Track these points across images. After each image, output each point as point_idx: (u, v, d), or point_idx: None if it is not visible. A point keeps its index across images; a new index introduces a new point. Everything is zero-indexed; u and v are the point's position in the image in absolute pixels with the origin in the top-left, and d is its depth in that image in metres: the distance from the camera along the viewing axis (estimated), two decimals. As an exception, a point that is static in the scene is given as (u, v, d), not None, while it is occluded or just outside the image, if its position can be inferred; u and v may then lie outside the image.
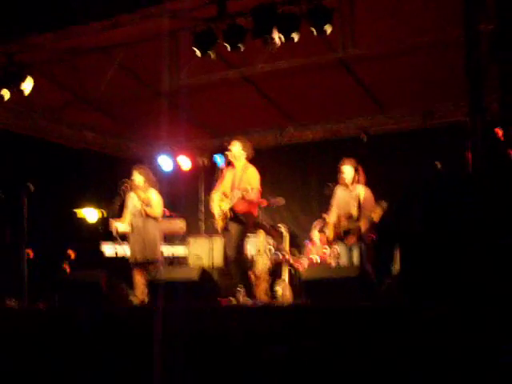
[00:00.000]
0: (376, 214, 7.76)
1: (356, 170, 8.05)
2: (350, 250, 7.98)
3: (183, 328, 5.51)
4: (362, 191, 8.03)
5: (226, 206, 7.85)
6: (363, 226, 7.86)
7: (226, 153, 8.15)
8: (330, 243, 8.26)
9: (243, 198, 7.76)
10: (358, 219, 7.89)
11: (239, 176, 8.02)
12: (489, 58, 6.49)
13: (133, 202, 8.71)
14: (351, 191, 8.08)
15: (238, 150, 8.10)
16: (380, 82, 9.51)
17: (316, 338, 5.12)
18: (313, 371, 4.84)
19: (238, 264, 7.90)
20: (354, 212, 7.91)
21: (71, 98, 10.14)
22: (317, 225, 9.81)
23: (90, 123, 11.39)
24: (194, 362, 5.30)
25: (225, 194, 7.99)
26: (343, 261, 8.00)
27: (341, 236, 8.03)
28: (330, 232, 8.24)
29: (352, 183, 8.08)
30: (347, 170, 8.08)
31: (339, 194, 8.23)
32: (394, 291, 5.95)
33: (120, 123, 11.55)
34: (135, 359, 5.61)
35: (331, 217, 8.25)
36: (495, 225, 4.75)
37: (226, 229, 7.96)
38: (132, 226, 8.64)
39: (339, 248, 8.07)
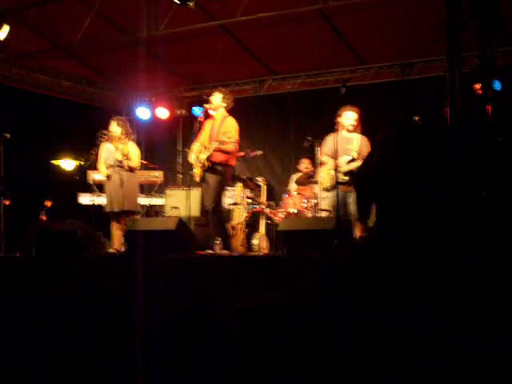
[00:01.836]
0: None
1: (359, 119, 7.93)
2: (348, 196, 7.91)
3: (163, 277, 5.54)
4: (358, 137, 7.91)
5: (203, 156, 7.83)
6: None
7: (206, 104, 8.11)
8: (324, 190, 8.13)
9: (220, 148, 7.74)
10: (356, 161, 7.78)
11: (217, 127, 7.99)
12: (469, 12, 6.48)
13: (109, 152, 8.66)
14: (347, 137, 7.96)
15: (218, 100, 8.06)
16: (360, 33, 9.46)
17: (290, 288, 5.17)
18: (287, 321, 4.88)
19: (215, 215, 7.90)
20: (355, 156, 7.80)
21: (48, 45, 10.01)
22: (294, 178, 9.84)
23: (67, 71, 11.26)
24: (174, 312, 5.34)
25: (204, 146, 7.98)
26: (334, 209, 7.88)
27: (340, 182, 7.86)
28: (324, 180, 8.03)
29: (353, 130, 7.96)
30: (350, 116, 7.92)
31: (332, 140, 7.96)
32: (370, 243, 6.00)
33: (97, 72, 11.43)
34: (115, 308, 5.63)
35: (327, 165, 8.07)
36: (470, 179, 4.78)
37: (203, 179, 7.96)
38: (109, 176, 8.61)
39: (337, 195, 7.91)
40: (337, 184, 7.71)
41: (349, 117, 7.91)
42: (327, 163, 8.00)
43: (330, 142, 7.98)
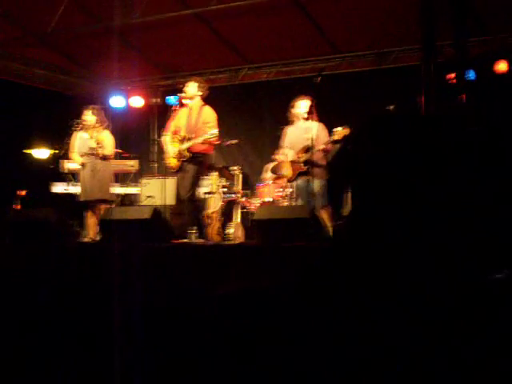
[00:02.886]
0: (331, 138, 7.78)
1: (311, 106, 8.01)
2: (310, 185, 7.95)
3: (138, 266, 5.52)
4: (315, 125, 8.00)
5: (184, 147, 7.82)
6: (319, 159, 7.88)
7: (181, 94, 8.10)
8: (288, 181, 8.24)
9: (205, 141, 7.77)
10: (312, 151, 7.83)
11: (195, 116, 7.99)
12: (443, 1, 6.51)
13: (83, 141, 8.61)
14: (304, 127, 8.05)
15: (193, 89, 8.06)
16: (334, 22, 9.45)
17: (266, 277, 5.18)
18: (262, 309, 4.90)
19: (190, 204, 7.91)
20: (310, 144, 7.86)
21: (20, 32, 9.89)
22: (269, 167, 9.84)
23: (40, 59, 11.14)
24: (150, 300, 5.33)
25: (175, 133, 7.97)
26: (301, 199, 7.99)
27: (301, 172, 7.98)
28: (285, 172, 8.20)
29: (306, 119, 8.06)
30: (303, 105, 8.05)
31: (291, 132, 8.21)
32: (345, 232, 6.02)
33: (71, 60, 11.32)
34: (91, 296, 5.60)
35: (285, 156, 8.23)
36: (443, 167, 4.81)
37: (180, 169, 7.95)
38: (83, 165, 8.56)
39: (300, 184, 8.04)
40: (298, 174, 7.88)
41: (302, 105, 8.05)
42: (287, 155, 8.13)
43: (288, 133, 8.13)
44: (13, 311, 5.58)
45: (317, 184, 7.82)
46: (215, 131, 7.75)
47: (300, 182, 8.05)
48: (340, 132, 7.74)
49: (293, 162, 8.13)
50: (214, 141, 7.86)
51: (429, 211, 4.66)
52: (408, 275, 4.40)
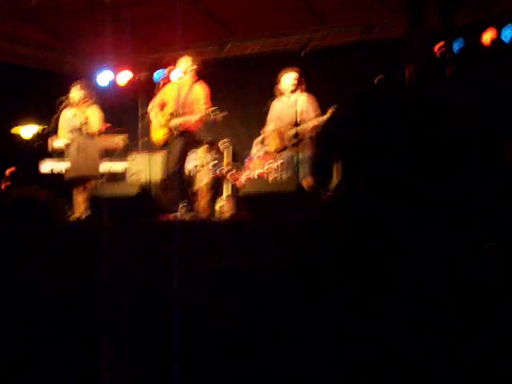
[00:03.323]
0: (320, 120, 7.77)
1: (299, 78, 7.98)
2: (295, 158, 7.98)
3: (128, 242, 5.53)
4: (304, 97, 7.98)
5: (175, 122, 7.79)
6: (307, 132, 7.87)
7: (169, 68, 8.04)
8: (273, 155, 8.26)
9: (202, 118, 7.73)
10: (301, 124, 7.82)
11: (185, 92, 7.94)
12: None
13: (69, 118, 8.56)
14: (292, 100, 8.04)
15: (187, 64, 8.00)
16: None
17: (256, 252, 5.19)
18: (256, 284, 4.91)
19: (178, 178, 7.90)
20: (298, 118, 7.85)
21: (2, 9, 9.80)
22: (258, 141, 9.83)
23: (23, 36, 11.03)
24: (140, 275, 5.34)
25: (162, 107, 7.94)
26: (289, 171, 8.01)
27: (287, 145, 7.99)
28: (273, 144, 8.20)
29: (293, 91, 8.03)
30: (289, 77, 8.01)
31: (277, 105, 8.19)
32: (333, 204, 6.02)
33: (55, 36, 11.22)
34: (81, 275, 5.61)
35: (270, 129, 8.24)
36: (430, 138, 4.82)
37: (166, 143, 7.93)
38: (70, 142, 8.53)
39: (285, 157, 8.06)
40: (284, 148, 7.88)
41: (288, 78, 8.00)
42: (274, 128, 8.12)
43: (274, 107, 8.12)
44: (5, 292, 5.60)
45: (303, 156, 7.82)
46: (212, 109, 7.68)
47: (287, 153, 8.05)
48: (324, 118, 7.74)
49: (280, 134, 8.11)
50: (208, 118, 7.80)
51: (418, 187, 4.68)
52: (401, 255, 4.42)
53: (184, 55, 8.13)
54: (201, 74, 8.19)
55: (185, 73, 7.99)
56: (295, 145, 7.90)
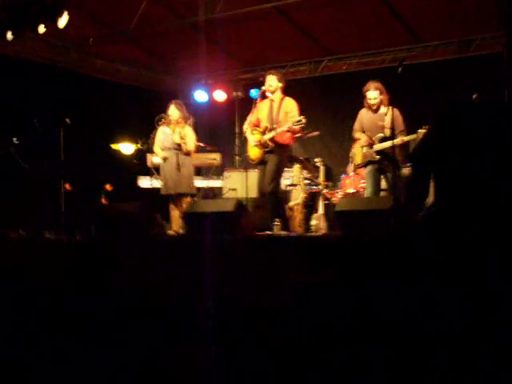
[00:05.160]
0: (408, 137, 7.67)
1: (381, 93, 7.89)
2: (379, 176, 7.94)
3: (222, 258, 5.59)
4: (389, 111, 7.88)
5: (268, 136, 7.83)
6: (396, 148, 7.78)
7: (263, 87, 8.11)
8: (357, 167, 8.20)
9: (289, 129, 7.74)
10: (389, 139, 7.73)
11: (277, 107, 8.00)
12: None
13: (166, 135, 8.74)
14: (378, 113, 7.95)
15: (274, 82, 8.06)
16: (415, 11, 9.35)
17: (348, 268, 5.18)
18: (340, 300, 4.89)
19: (273, 197, 7.90)
20: (387, 133, 7.78)
21: (105, 30, 10.15)
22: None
23: (124, 56, 11.40)
24: (235, 291, 5.40)
25: (256, 125, 8.01)
26: (369, 186, 7.94)
27: (372, 160, 7.92)
28: (357, 157, 8.13)
29: (379, 106, 7.94)
30: (372, 95, 7.92)
31: (365, 116, 8.08)
32: (428, 223, 5.94)
33: (153, 56, 11.55)
34: (176, 289, 5.70)
35: (358, 141, 8.16)
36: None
37: (261, 161, 7.96)
38: (165, 159, 8.70)
39: (369, 172, 7.97)
40: (368, 163, 7.80)
41: (369, 97, 7.91)
42: (360, 139, 8.05)
43: (361, 118, 8.05)
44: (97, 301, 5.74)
45: (389, 175, 7.78)
46: (300, 118, 7.70)
47: (369, 169, 7.96)
48: (412, 137, 7.64)
49: (364, 149, 8.03)
50: (298, 129, 7.80)
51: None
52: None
53: (269, 74, 8.18)
54: (291, 92, 8.24)
55: (274, 91, 8.04)
56: (378, 162, 7.83)
